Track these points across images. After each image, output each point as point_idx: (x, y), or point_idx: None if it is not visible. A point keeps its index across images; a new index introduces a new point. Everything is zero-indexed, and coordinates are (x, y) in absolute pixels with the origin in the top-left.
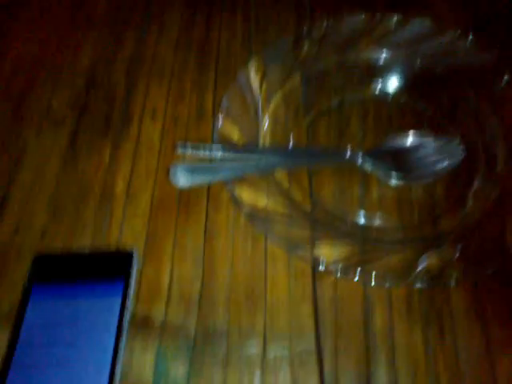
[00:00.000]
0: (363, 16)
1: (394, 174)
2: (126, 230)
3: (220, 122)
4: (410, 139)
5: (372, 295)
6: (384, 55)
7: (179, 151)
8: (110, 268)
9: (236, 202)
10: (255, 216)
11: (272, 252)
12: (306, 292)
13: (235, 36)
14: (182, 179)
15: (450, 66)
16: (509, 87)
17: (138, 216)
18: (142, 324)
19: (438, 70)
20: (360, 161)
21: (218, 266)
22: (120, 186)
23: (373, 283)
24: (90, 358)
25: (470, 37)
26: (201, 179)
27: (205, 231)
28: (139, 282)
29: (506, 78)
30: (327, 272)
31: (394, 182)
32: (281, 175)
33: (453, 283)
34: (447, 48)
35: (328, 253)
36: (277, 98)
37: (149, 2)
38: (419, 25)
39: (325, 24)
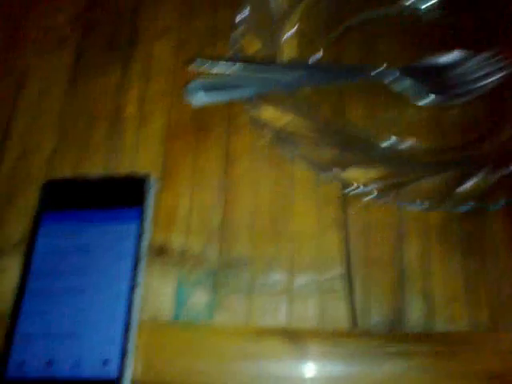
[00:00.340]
0: None
1: (428, 93)
2: (141, 155)
3: (240, 33)
4: (445, 56)
5: (407, 221)
6: None
7: (194, 67)
8: (124, 193)
9: (257, 123)
10: (279, 137)
11: (299, 176)
12: (335, 218)
13: None
14: (199, 97)
15: None
16: None
17: (153, 139)
18: (161, 252)
19: None
20: (393, 77)
21: (240, 192)
22: (132, 109)
23: (409, 206)
24: (106, 285)
25: None
26: (219, 97)
27: (226, 154)
28: (157, 209)
29: None
30: (358, 196)
31: (428, 101)
32: (308, 92)
33: (495, 207)
34: None
35: (359, 175)
36: (300, 10)
37: None
38: None
39: None
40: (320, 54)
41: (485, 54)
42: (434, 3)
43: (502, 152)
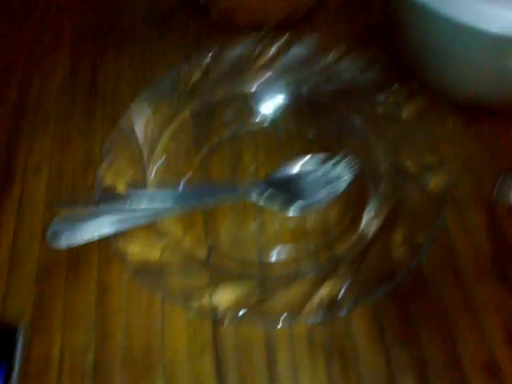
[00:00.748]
0: (247, 46)
1: (286, 204)
2: (10, 302)
3: (101, 174)
4: (298, 167)
5: (274, 336)
6: (270, 83)
7: (61, 206)
8: None
9: (123, 257)
10: (143, 271)
11: (169, 305)
12: (206, 343)
13: (121, 78)
14: (60, 239)
15: (333, 91)
16: (386, 106)
17: (23, 283)
18: None
19: (324, 94)
20: (253, 195)
21: (111, 328)
22: (2, 254)
23: (268, 326)
24: None
25: (352, 57)
26: (82, 236)
27: (97, 291)
28: (27, 358)
29: (382, 98)
30: (227, 319)
31: (287, 212)
32: (172, 222)
33: (345, 312)
34: (329, 72)
35: (226, 298)
36: (165, 138)
37: (33, 48)
38: (300, 51)
39: (210, 55)
40: (189, 176)
41: (330, 163)
42: (291, 116)
43: (353, 253)
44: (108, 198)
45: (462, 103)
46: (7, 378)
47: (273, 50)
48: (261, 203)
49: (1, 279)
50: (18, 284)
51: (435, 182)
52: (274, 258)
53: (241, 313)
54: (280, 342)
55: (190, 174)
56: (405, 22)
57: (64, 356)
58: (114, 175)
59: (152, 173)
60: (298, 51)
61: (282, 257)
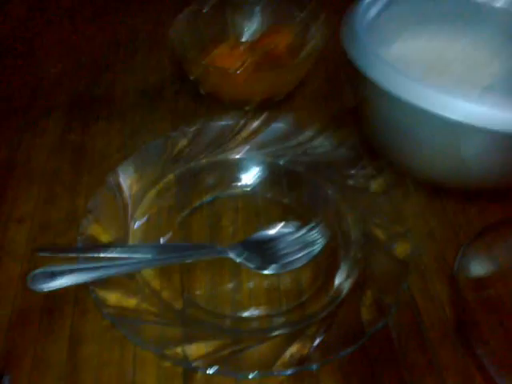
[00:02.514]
0: (230, 120)
1: (261, 264)
2: None
3: (85, 225)
4: (275, 231)
5: None
6: (251, 154)
7: (39, 254)
8: None
9: (98, 304)
10: (120, 319)
11: (141, 356)
12: None
13: (111, 143)
14: (40, 284)
15: (308, 163)
16: (356, 179)
17: None
18: None
19: (300, 166)
20: (231, 255)
21: (82, 378)
22: None
23: (240, 376)
24: None
25: (326, 136)
26: (62, 283)
27: (69, 339)
28: None
29: (353, 172)
30: (197, 371)
31: (262, 272)
32: (151, 274)
33: (315, 367)
34: (305, 147)
35: (199, 350)
36: (149, 198)
37: (25, 108)
38: (279, 128)
39: (194, 128)
40: (169, 235)
41: (304, 229)
42: (268, 184)
43: (323, 314)
44: (89, 248)
45: (425, 182)
46: None
47: (254, 125)
48: (238, 260)
49: None
50: None
51: (401, 250)
52: (247, 314)
53: (213, 367)
54: None
55: (170, 234)
56: (372, 107)
57: None
58: (97, 228)
59: (134, 230)
60: (276, 127)
61: (256, 313)
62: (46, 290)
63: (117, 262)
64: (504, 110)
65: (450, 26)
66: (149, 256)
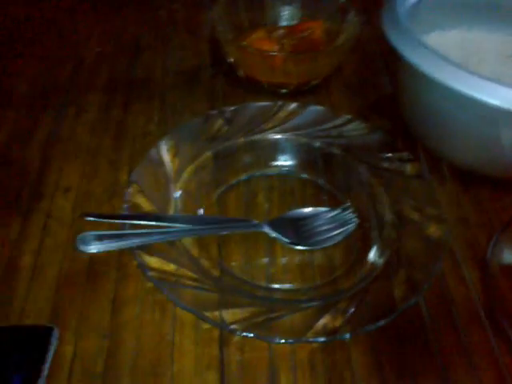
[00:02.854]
0: (267, 102)
1: (295, 240)
2: (29, 306)
3: (130, 193)
4: (309, 210)
5: (277, 357)
6: (287, 136)
7: (87, 219)
8: (27, 344)
9: (142, 268)
10: (162, 282)
11: (180, 319)
12: (212, 358)
13: (151, 120)
14: (88, 246)
15: (343, 145)
16: (391, 162)
17: (44, 288)
18: None
19: (334, 149)
20: (265, 229)
21: (124, 337)
22: (26, 260)
23: (277, 340)
24: None
25: (361, 120)
26: (108, 246)
27: (113, 301)
28: None
29: (388, 155)
30: (233, 335)
31: (296, 247)
32: (190, 243)
33: (347, 337)
34: (340, 130)
35: (235, 315)
36: (188, 173)
37: (69, 86)
38: (316, 111)
39: (233, 108)
40: (206, 209)
41: (339, 209)
42: (303, 165)
43: (355, 289)
44: (134, 216)
45: (461, 168)
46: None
47: (291, 107)
48: (272, 235)
49: (23, 283)
50: (38, 289)
51: (434, 232)
52: (281, 288)
53: (249, 331)
54: (282, 365)
55: (207, 208)
56: (411, 92)
57: (76, 358)
58: (140, 198)
59: (174, 202)
60: (313, 110)
61: (289, 287)
62: (93, 251)
63: (159, 230)
64: None
65: (488, 17)
66: (188, 226)
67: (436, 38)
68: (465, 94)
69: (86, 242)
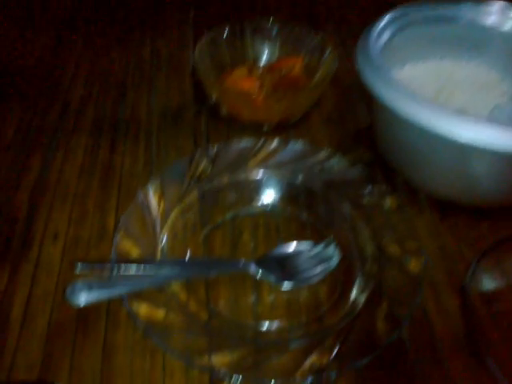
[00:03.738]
0: (250, 141)
1: (281, 279)
2: (20, 357)
3: (118, 240)
4: (293, 247)
5: None
6: (269, 173)
7: (76, 270)
8: None
9: (132, 316)
10: (151, 329)
11: (170, 365)
12: None
13: (137, 160)
14: (79, 297)
15: (325, 180)
16: (371, 195)
17: (34, 340)
18: None
19: (316, 184)
20: (251, 269)
21: None
22: (16, 312)
23: (264, 383)
24: None
25: (340, 155)
26: (98, 296)
27: (103, 350)
28: None
29: (368, 188)
30: (224, 380)
31: (282, 286)
32: (178, 286)
33: (334, 376)
34: (321, 165)
35: (224, 359)
36: (174, 214)
37: (56, 130)
38: (297, 146)
39: (216, 147)
40: (194, 250)
41: (322, 244)
42: (287, 201)
43: (340, 325)
44: (122, 263)
45: (438, 198)
46: None
47: (272, 146)
48: (258, 276)
49: (12, 335)
50: (28, 340)
51: (414, 265)
52: (268, 326)
53: (237, 376)
54: None
55: (195, 249)
56: (384, 128)
57: None
58: (128, 243)
59: (161, 245)
60: (293, 148)
61: (276, 325)
62: (82, 304)
63: (147, 275)
64: (509, 132)
65: (458, 48)
66: (176, 271)
67: (410, 71)
68: (432, 131)
69: (76, 293)
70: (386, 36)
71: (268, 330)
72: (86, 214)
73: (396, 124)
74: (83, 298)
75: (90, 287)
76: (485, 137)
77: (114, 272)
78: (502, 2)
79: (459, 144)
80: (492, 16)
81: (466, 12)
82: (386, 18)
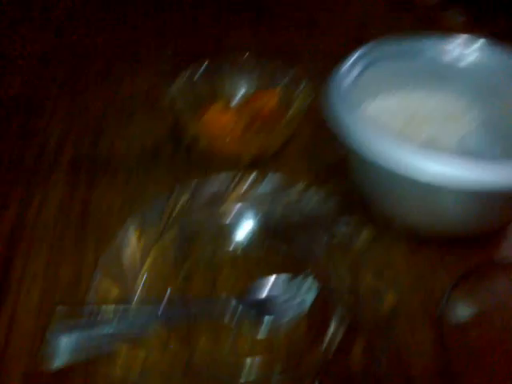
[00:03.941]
0: (228, 175)
1: (262, 316)
2: None
3: (97, 281)
4: (272, 281)
5: None
6: (248, 207)
7: (56, 313)
8: None
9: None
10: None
11: None
12: None
13: (117, 196)
14: (59, 342)
15: (303, 212)
16: (348, 226)
17: None
18: None
19: (294, 216)
20: (232, 307)
21: None
22: None
23: None
24: None
25: (313, 190)
26: (77, 339)
27: None
28: None
29: (345, 219)
30: None
31: (258, 334)
32: (153, 336)
33: None
34: (299, 197)
35: None
36: (154, 252)
37: (34, 166)
38: (275, 179)
39: (195, 183)
40: (172, 291)
41: (300, 276)
42: (267, 234)
43: (318, 367)
44: (98, 314)
45: (406, 233)
46: None
47: (250, 179)
48: (234, 325)
49: None
50: None
51: (390, 296)
52: (245, 374)
53: None
54: None
55: (174, 287)
56: (351, 165)
57: None
58: (107, 283)
59: (142, 284)
60: (271, 180)
61: (254, 371)
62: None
63: (125, 320)
64: (470, 171)
65: (424, 82)
66: (151, 318)
67: (381, 103)
68: (394, 171)
69: (56, 337)
70: (356, 71)
71: (249, 367)
72: (65, 253)
73: (359, 163)
74: (63, 343)
75: (69, 330)
76: (445, 176)
77: (93, 315)
78: (464, 35)
79: (422, 183)
80: (456, 49)
81: (430, 46)
82: (356, 54)
